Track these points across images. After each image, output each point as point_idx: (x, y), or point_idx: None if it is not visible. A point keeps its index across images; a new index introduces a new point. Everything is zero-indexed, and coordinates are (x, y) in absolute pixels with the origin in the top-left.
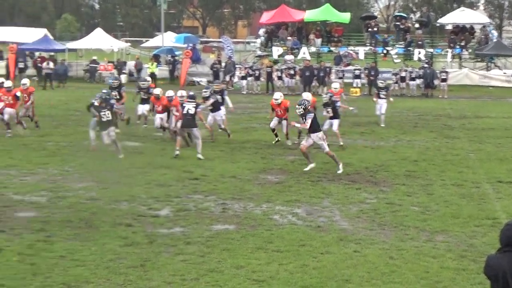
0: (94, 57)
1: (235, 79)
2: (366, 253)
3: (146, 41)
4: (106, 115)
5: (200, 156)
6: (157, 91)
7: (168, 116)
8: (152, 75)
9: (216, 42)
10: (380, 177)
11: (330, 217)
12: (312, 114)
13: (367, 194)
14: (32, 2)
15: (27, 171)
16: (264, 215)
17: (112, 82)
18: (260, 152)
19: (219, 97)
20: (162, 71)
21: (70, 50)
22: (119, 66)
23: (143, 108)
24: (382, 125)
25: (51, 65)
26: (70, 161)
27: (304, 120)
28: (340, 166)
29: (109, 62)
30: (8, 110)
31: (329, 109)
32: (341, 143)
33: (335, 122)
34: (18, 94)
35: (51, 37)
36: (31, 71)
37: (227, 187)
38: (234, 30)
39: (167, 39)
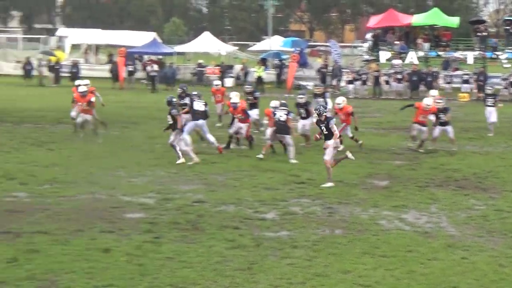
0: (200, 61)
1: (342, 84)
2: (474, 260)
3: (253, 45)
4: (168, 119)
5: (293, 161)
6: (232, 94)
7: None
8: (259, 79)
9: (323, 46)
10: (489, 184)
11: (437, 223)
12: (334, 119)
13: (475, 200)
14: (141, 6)
15: (135, 173)
16: (370, 220)
17: (178, 90)
18: (367, 157)
19: (321, 99)
20: (269, 75)
21: (178, 53)
22: (223, 70)
23: (252, 114)
24: (490, 135)
25: (155, 67)
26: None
27: (322, 128)
28: (329, 184)
29: (216, 65)
30: (84, 116)
31: (442, 115)
32: (455, 149)
33: (450, 129)
34: (93, 99)
35: (159, 41)
36: (140, 74)
37: (333, 191)
38: (341, 34)
39: (274, 43)
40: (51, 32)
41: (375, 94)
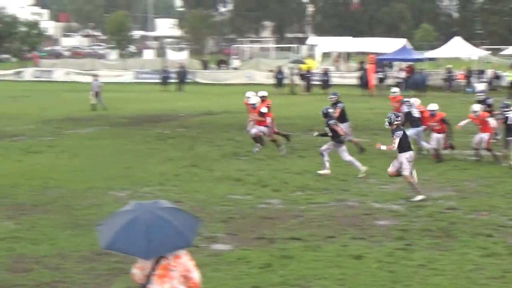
0: (449, 66)
1: None
2: None
3: (506, 48)
4: (327, 130)
5: None
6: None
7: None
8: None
9: None
10: None
11: None
12: (401, 132)
13: None
14: (391, 13)
15: (386, 180)
16: None
17: (330, 98)
18: None
19: None
20: None
21: (429, 59)
22: (469, 75)
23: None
24: None
25: (402, 74)
26: (429, 170)
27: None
28: (419, 197)
29: (465, 70)
30: (259, 128)
31: None
32: None
33: None
34: (264, 110)
35: (410, 47)
36: (390, 81)
37: None
38: None
39: None
40: (302, 41)
41: None
